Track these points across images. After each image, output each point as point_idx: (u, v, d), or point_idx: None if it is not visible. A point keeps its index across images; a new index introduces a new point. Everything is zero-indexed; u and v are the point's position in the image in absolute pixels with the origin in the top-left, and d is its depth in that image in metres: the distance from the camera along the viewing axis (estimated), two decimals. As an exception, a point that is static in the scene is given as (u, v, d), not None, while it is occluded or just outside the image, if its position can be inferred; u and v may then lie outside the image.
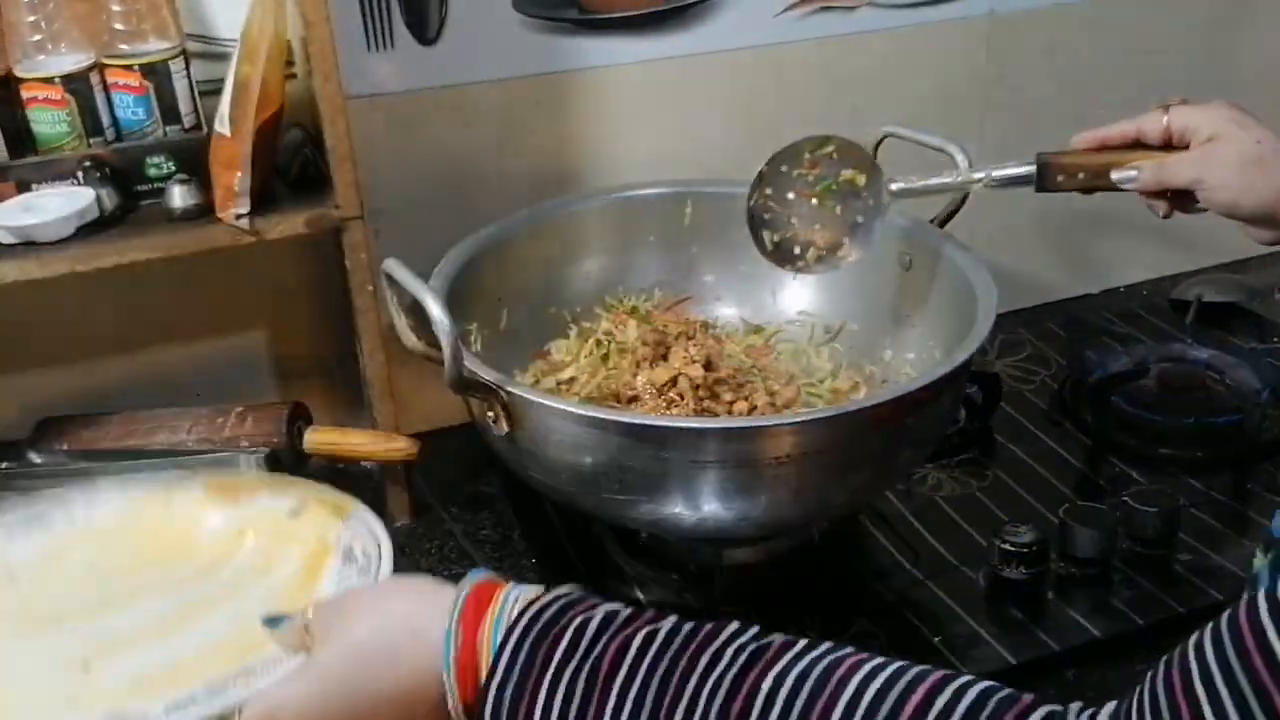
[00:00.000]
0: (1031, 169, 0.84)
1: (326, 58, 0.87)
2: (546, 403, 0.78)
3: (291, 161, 0.96)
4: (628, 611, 0.55)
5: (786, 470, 0.77)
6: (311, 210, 0.92)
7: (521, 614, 0.55)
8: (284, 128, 0.99)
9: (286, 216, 0.91)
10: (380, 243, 1.07)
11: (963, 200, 1.00)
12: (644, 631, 0.52)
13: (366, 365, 0.98)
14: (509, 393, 0.80)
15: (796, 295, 1.11)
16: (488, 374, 0.81)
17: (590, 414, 0.77)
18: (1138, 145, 0.82)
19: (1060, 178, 0.82)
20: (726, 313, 1.13)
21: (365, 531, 0.78)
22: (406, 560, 1.00)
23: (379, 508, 1.04)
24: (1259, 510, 1.01)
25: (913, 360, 1.02)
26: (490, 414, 0.82)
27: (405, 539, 1.03)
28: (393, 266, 0.81)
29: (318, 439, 0.99)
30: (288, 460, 0.98)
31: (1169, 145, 0.81)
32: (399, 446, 0.98)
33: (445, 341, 0.76)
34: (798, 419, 0.74)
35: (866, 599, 0.92)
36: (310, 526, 0.80)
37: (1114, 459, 1.09)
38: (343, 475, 1.09)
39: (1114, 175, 0.80)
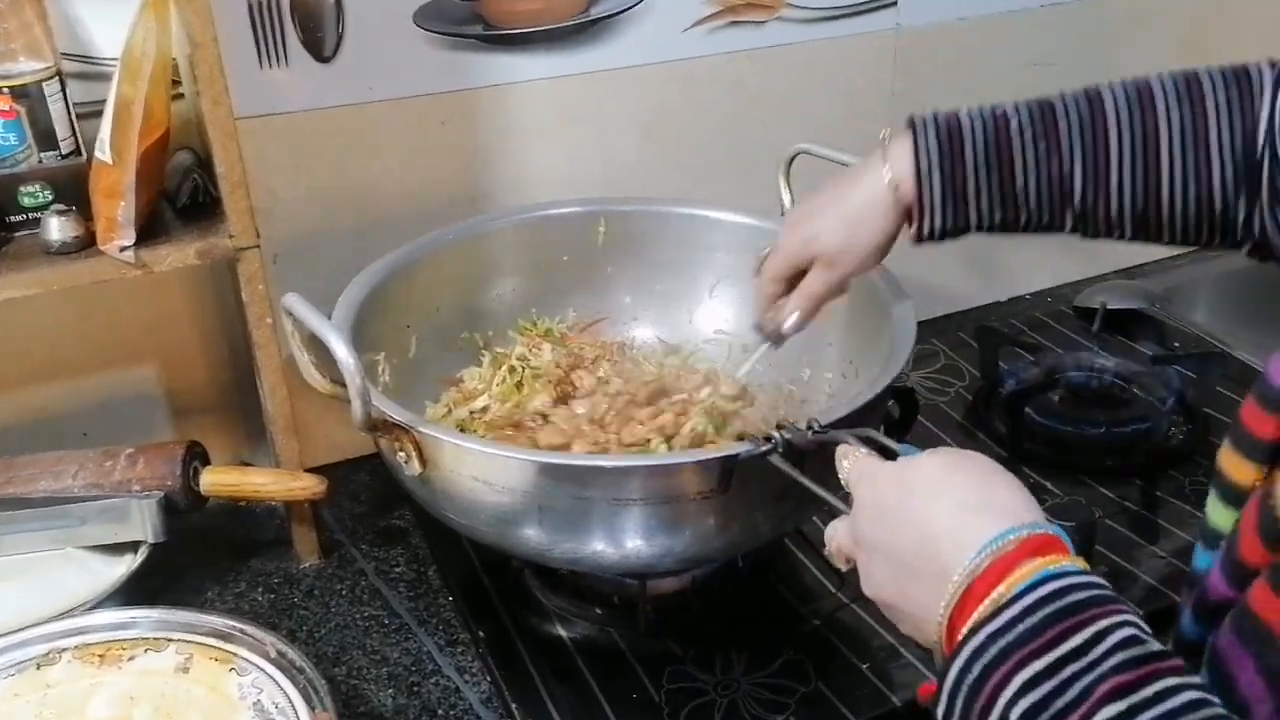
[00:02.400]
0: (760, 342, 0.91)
1: (215, 80, 0.82)
2: (461, 444, 0.74)
3: (180, 186, 0.91)
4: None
5: (711, 505, 0.76)
6: (203, 240, 0.86)
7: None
8: (171, 150, 0.93)
9: (176, 247, 0.86)
10: (280, 269, 1.03)
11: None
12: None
13: (267, 401, 0.93)
14: (421, 433, 0.76)
15: (713, 315, 1.10)
16: (399, 413, 0.77)
17: (508, 454, 0.74)
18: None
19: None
20: (643, 333, 1.11)
21: (265, 679, 0.77)
22: (316, 603, 0.95)
23: (284, 547, 1.00)
24: (1169, 518, 1.02)
25: (831, 379, 1.02)
26: (401, 453, 0.78)
27: (314, 580, 0.98)
28: (293, 302, 0.76)
29: (215, 480, 0.94)
30: (183, 503, 0.93)
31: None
32: (304, 485, 0.93)
33: (352, 383, 0.72)
34: (722, 453, 0.72)
35: (792, 624, 0.91)
36: (201, 682, 0.77)
37: (1028, 470, 1.10)
38: (246, 514, 1.04)
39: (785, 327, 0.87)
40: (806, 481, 0.68)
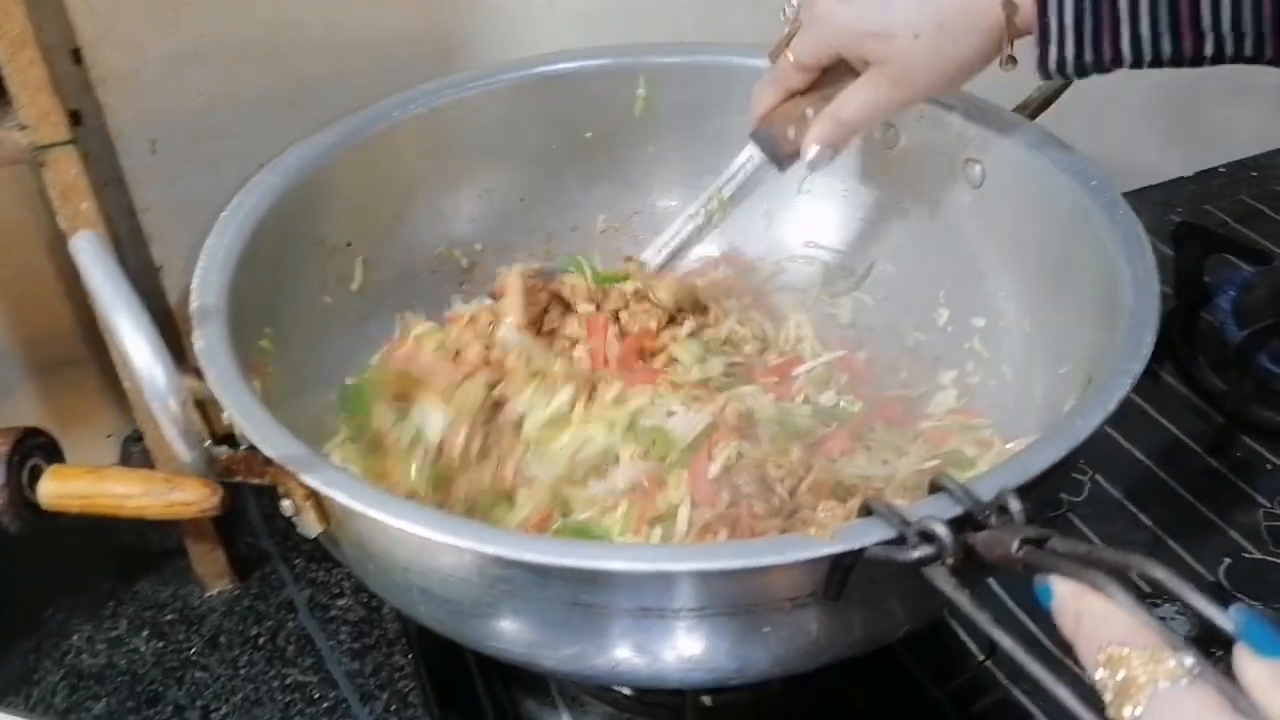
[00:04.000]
0: (755, 154, 0.63)
1: None
2: (377, 516, 0.42)
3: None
4: None
5: (813, 612, 0.43)
6: (-18, 130, 0.53)
7: None
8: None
9: (-56, 141, 0.53)
10: (162, 162, 0.71)
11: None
12: None
13: (123, 377, 0.62)
14: (310, 486, 0.44)
15: (802, 219, 0.75)
16: (277, 445, 0.45)
17: (452, 541, 0.41)
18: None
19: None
20: (702, 246, 0.76)
21: None
22: (219, 659, 0.66)
23: (181, 565, 0.70)
24: None
25: (983, 329, 0.67)
26: (286, 500, 0.47)
27: (221, 619, 0.68)
28: (84, 249, 0.44)
29: (59, 489, 0.62)
30: (13, 525, 0.62)
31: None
32: (186, 499, 0.61)
33: (164, 412, 0.40)
34: (835, 549, 0.39)
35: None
36: None
37: (1257, 444, 0.76)
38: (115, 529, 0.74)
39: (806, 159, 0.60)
40: (1025, 658, 0.34)
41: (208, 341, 0.49)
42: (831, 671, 0.60)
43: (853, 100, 0.57)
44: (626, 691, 0.60)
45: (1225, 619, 0.31)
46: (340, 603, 0.69)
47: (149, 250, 0.74)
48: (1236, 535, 0.69)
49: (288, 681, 0.64)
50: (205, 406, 0.49)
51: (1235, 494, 0.73)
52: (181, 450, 0.41)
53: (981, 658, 0.62)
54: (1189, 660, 0.30)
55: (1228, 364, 0.79)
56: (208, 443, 0.42)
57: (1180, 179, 1.07)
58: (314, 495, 0.46)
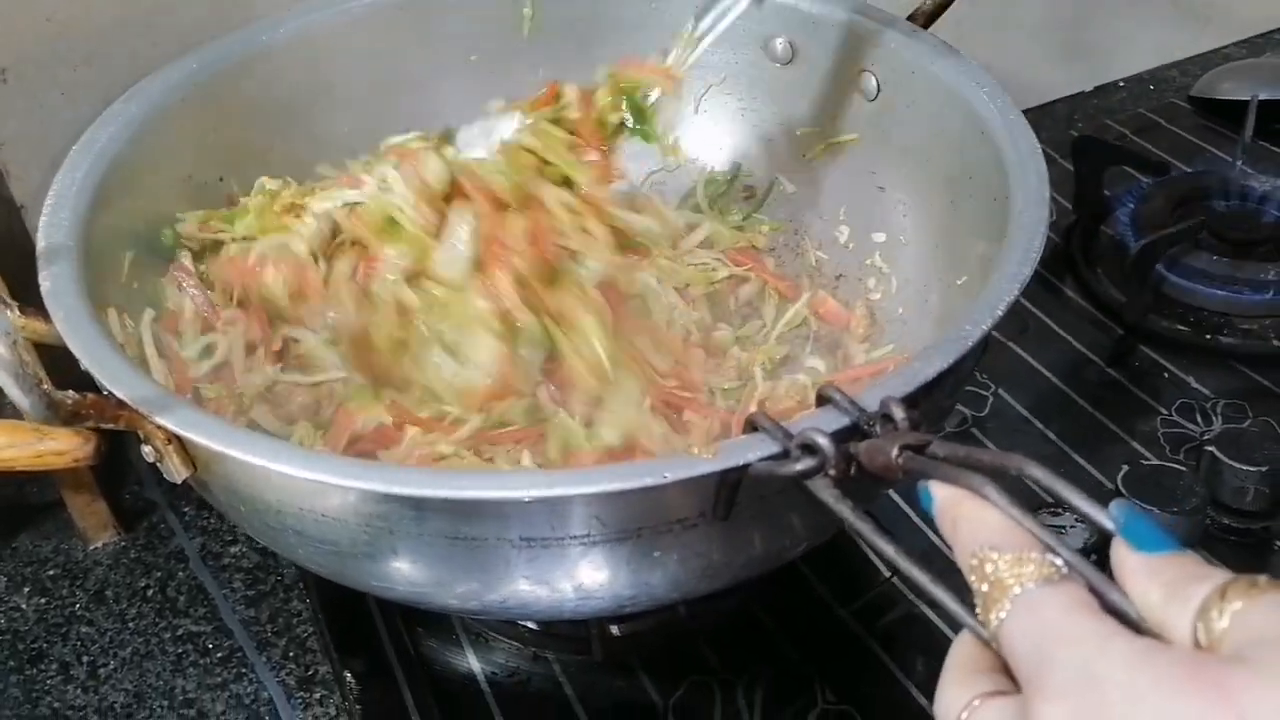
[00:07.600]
0: None
1: None
2: (247, 458, 0.39)
3: None
4: None
5: (702, 533, 0.42)
6: None
7: None
8: None
9: None
10: (15, 93, 0.66)
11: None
12: None
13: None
14: (167, 429, 0.41)
15: (701, 139, 0.73)
16: (130, 386, 0.42)
17: (321, 477, 0.39)
18: None
19: None
20: (591, 169, 0.74)
21: None
22: (107, 613, 0.63)
23: (64, 519, 0.67)
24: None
25: (883, 245, 0.66)
26: (146, 447, 0.44)
27: (107, 572, 0.65)
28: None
29: (-86, 443, 0.60)
30: None
31: None
32: (58, 449, 0.58)
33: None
34: (719, 467, 0.38)
35: (829, 642, 0.59)
36: None
37: (1156, 354, 0.77)
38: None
39: None
40: (908, 565, 0.34)
41: (54, 282, 0.46)
42: (737, 593, 0.60)
43: None
44: (532, 625, 0.59)
45: (1105, 516, 0.30)
46: (234, 550, 0.66)
47: (8, 188, 0.70)
48: (1136, 443, 0.70)
49: (179, 633, 0.62)
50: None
51: (1134, 403, 0.73)
52: (16, 395, 0.38)
53: (887, 574, 0.62)
54: (1057, 560, 0.29)
55: (1127, 275, 0.80)
56: (46, 386, 0.39)
57: (1080, 94, 1.07)
58: (175, 438, 0.43)
